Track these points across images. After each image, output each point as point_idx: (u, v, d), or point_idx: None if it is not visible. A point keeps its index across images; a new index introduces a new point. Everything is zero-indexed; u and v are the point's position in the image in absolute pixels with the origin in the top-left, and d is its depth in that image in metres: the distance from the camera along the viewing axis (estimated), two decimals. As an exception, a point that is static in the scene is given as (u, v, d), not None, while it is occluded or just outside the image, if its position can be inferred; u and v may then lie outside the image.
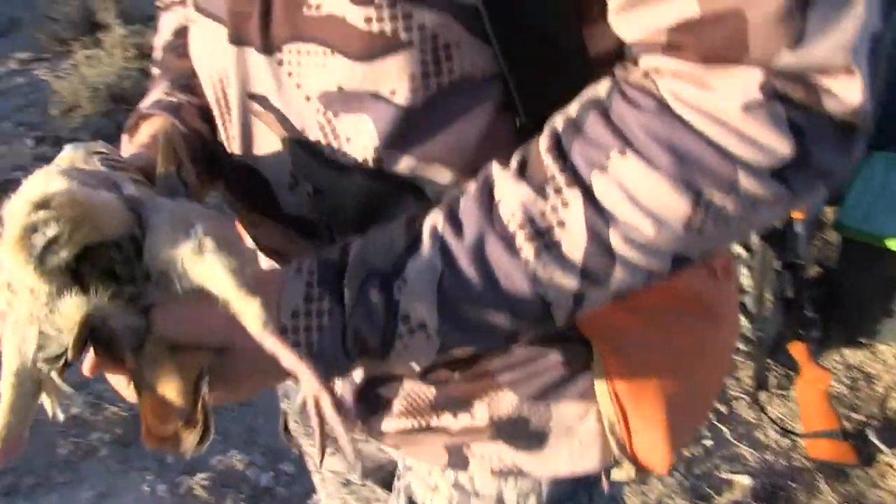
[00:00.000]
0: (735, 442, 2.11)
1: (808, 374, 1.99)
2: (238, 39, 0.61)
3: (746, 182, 0.49)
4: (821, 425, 1.95)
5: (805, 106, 0.47)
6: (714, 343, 0.74)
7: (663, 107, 0.49)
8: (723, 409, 2.22)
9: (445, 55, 0.55)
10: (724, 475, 2.01)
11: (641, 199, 0.49)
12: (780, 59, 0.46)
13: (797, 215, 1.95)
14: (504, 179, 0.53)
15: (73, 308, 0.49)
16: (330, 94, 0.59)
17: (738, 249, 2.14)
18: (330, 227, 0.65)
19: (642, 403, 0.67)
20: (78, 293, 0.49)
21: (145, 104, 0.75)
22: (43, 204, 0.47)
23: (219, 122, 0.70)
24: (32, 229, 0.47)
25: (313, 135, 0.61)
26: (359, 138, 0.59)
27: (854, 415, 2.13)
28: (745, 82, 0.47)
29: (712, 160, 0.48)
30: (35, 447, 1.93)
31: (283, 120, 0.62)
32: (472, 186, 0.55)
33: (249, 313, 0.50)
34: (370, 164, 0.59)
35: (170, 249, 0.51)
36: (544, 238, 0.51)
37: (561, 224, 0.51)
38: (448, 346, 0.56)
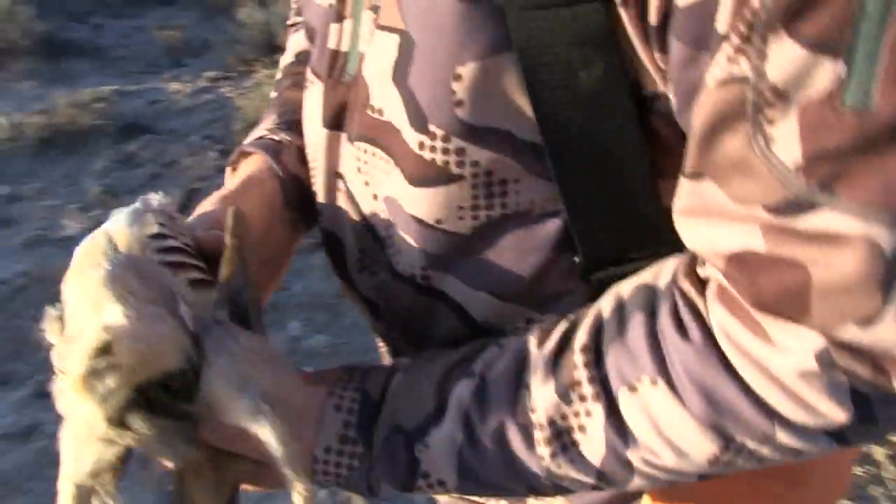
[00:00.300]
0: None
1: None
2: (331, 125, 0.62)
3: (786, 438, 0.44)
4: None
5: (872, 383, 0.41)
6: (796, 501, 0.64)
7: (709, 344, 0.45)
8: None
9: (500, 190, 0.52)
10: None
11: (666, 431, 0.46)
12: (844, 332, 0.40)
13: None
14: (536, 368, 0.51)
15: (126, 438, 0.50)
16: (389, 200, 0.57)
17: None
18: (388, 316, 0.65)
19: None
20: (133, 415, 0.49)
21: (250, 138, 0.75)
22: (104, 349, 0.47)
23: (312, 179, 0.68)
24: (93, 374, 0.47)
25: (380, 230, 0.60)
26: (408, 253, 0.58)
27: None
28: (801, 345, 0.41)
29: (750, 414, 0.44)
30: None
31: (353, 203, 0.62)
32: (506, 358, 0.53)
33: (296, 487, 0.52)
34: (418, 278, 0.59)
35: (226, 402, 0.52)
36: (562, 439, 0.50)
37: (582, 429, 0.49)
38: (469, 495, 0.57)
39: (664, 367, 0.46)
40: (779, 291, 0.41)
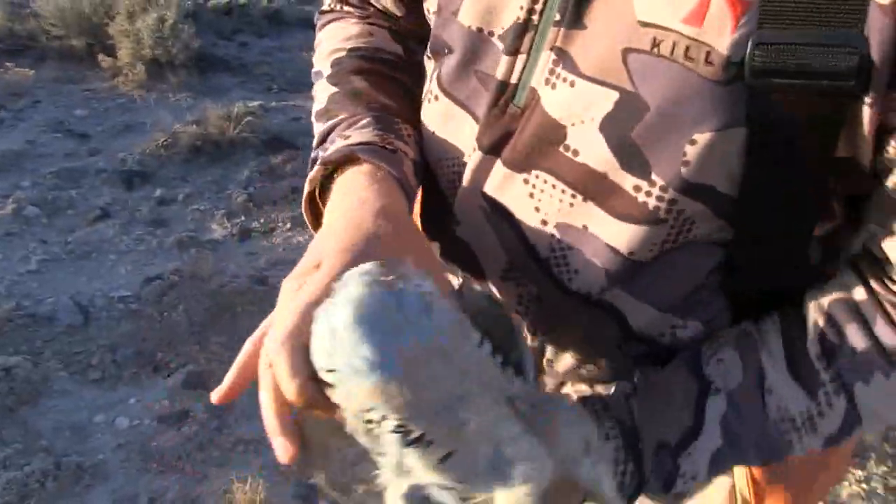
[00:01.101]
0: None
1: None
2: (490, 150, 0.65)
3: None
4: None
5: None
6: (836, 453, 0.79)
7: None
8: None
9: (687, 228, 0.60)
10: None
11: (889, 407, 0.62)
12: None
13: None
14: (779, 376, 0.62)
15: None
16: (571, 229, 0.63)
17: None
18: (535, 319, 0.71)
19: (773, 489, 0.75)
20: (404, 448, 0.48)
21: (352, 140, 0.68)
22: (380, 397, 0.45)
23: (445, 193, 0.71)
24: (367, 420, 0.47)
25: (543, 252, 0.65)
26: (588, 273, 0.64)
27: None
28: None
29: None
30: None
31: (509, 224, 0.66)
32: (747, 373, 0.63)
33: None
34: (592, 295, 0.65)
35: (485, 483, 0.50)
36: (809, 424, 0.62)
37: (821, 415, 0.61)
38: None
39: (893, 361, 0.59)
40: None
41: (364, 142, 0.67)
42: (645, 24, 0.55)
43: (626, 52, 0.56)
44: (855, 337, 0.60)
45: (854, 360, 0.59)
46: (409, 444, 0.47)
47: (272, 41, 6.31)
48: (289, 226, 3.36)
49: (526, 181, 0.63)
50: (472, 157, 0.66)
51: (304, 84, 5.31)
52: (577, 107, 0.59)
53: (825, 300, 0.62)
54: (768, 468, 0.74)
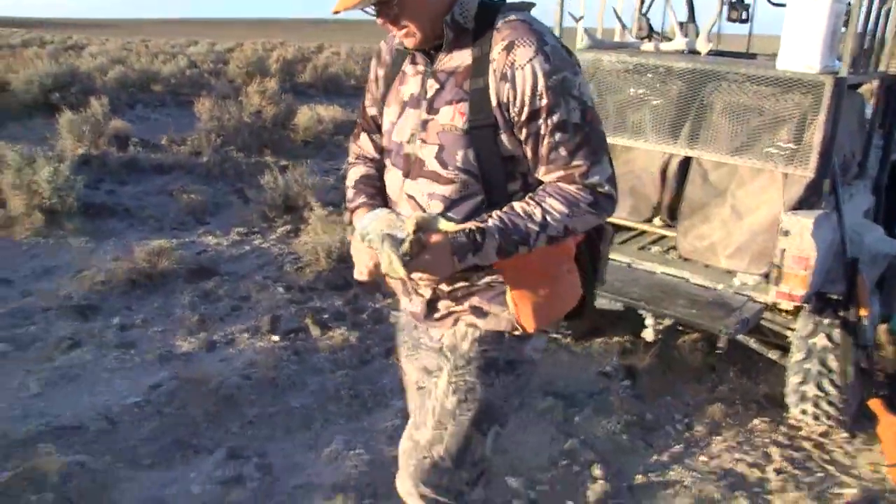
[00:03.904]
0: (838, 475, 3.05)
1: (885, 421, 2.96)
2: (405, 175, 1.71)
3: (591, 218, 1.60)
4: (898, 458, 2.90)
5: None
6: (568, 277, 1.74)
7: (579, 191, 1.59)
8: (826, 456, 3.18)
9: (465, 185, 1.62)
10: (836, 490, 2.94)
11: (568, 215, 1.57)
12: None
13: (864, 312, 3.02)
14: (515, 211, 1.56)
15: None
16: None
17: (825, 342, 3.17)
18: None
19: (524, 302, 1.65)
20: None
21: (357, 202, 1.77)
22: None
23: (391, 198, 1.75)
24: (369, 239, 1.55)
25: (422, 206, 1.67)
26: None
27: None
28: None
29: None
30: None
31: (415, 200, 1.69)
32: (516, 206, 1.56)
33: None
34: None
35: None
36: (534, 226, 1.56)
37: (534, 221, 1.55)
38: (494, 254, 1.55)
39: (559, 197, 1.58)
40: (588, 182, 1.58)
41: (361, 201, 1.78)
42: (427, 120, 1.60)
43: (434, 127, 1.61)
44: (549, 191, 1.56)
45: (545, 198, 1.54)
46: (382, 239, 1.51)
47: (135, 187, 6.84)
48: (247, 335, 4.02)
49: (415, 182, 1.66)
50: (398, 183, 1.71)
51: (189, 222, 5.96)
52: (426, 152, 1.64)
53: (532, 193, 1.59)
54: (517, 291, 1.63)
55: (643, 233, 3.92)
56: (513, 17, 1.52)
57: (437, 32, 1.54)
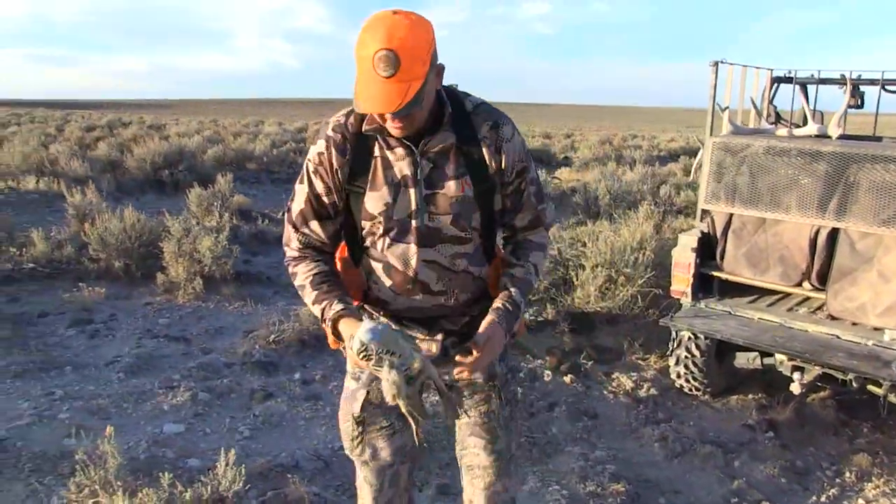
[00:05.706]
0: None
1: None
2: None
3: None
4: None
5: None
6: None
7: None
8: None
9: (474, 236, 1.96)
10: None
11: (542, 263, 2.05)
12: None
13: None
14: (523, 269, 1.98)
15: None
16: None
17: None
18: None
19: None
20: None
21: (337, 309, 1.80)
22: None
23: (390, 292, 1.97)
24: (368, 355, 1.63)
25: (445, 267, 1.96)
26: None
27: None
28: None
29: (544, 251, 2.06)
30: None
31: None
32: (520, 274, 1.96)
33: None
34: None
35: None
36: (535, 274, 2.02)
37: (528, 271, 1.99)
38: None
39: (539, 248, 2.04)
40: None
41: (341, 308, 1.84)
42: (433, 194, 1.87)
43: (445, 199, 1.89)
44: (526, 248, 2.00)
45: (528, 255, 1.98)
46: (387, 352, 1.65)
47: (266, 257, 7.38)
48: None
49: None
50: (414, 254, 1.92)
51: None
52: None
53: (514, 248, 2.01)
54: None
55: (788, 295, 4.28)
56: (477, 100, 1.91)
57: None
